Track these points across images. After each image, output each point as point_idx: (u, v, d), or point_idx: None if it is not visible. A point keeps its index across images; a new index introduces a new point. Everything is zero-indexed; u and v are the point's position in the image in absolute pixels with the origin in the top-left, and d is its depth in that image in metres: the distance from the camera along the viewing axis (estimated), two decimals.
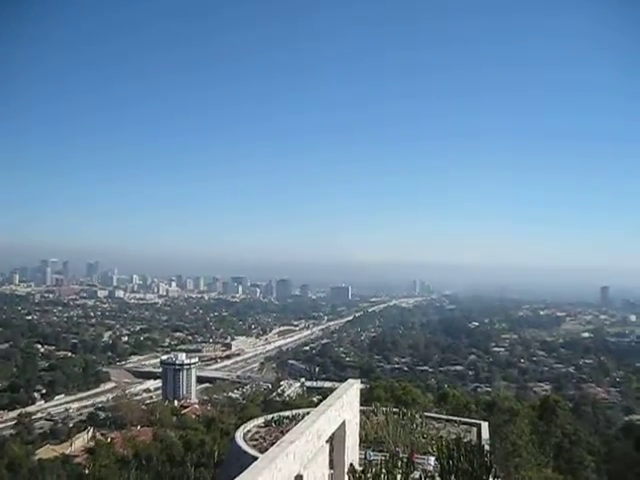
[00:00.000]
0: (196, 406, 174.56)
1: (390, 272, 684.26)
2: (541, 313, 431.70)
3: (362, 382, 46.87)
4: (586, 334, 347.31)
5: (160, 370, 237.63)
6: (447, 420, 42.85)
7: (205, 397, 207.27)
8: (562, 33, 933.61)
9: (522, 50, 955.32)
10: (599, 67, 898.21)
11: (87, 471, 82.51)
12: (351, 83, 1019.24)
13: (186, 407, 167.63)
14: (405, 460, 28.48)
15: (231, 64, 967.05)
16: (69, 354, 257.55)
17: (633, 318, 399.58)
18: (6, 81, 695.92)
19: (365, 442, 33.37)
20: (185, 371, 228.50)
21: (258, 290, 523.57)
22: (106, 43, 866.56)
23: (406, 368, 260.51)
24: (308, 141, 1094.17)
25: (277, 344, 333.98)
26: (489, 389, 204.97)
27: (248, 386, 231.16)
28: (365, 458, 29.22)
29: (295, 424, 24.59)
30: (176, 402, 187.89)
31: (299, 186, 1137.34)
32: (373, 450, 32.66)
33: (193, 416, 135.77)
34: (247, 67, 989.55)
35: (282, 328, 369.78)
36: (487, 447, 29.75)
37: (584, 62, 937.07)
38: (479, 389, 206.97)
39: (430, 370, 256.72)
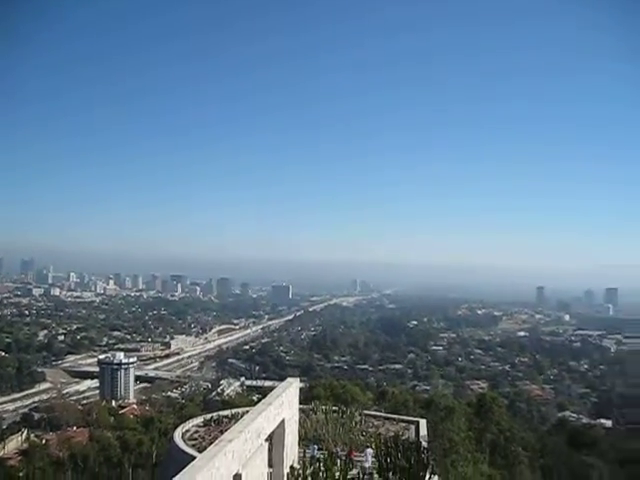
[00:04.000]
0: (134, 406, 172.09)
1: (330, 271, 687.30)
2: (479, 312, 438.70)
3: (302, 381, 47.12)
4: (522, 333, 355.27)
5: (97, 370, 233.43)
6: (386, 418, 43.32)
7: (144, 397, 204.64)
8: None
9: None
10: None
11: (21, 474, 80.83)
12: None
13: (124, 407, 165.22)
14: (344, 458, 28.76)
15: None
16: (2, 354, 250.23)
17: (567, 318, 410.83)
18: None
19: (305, 440, 33.52)
20: (123, 371, 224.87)
21: (198, 288, 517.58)
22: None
23: (346, 367, 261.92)
24: (242, 142, 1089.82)
25: (217, 343, 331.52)
26: (427, 387, 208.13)
27: (187, 385, 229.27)
28: (304, 455, 29.28)
29: (234, 423, 24.57)
30: (114, 402, 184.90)
31: (238, 186, 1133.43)
32: (316, 445, 32.80)
33: (131, 416, 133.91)
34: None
35: (222, 327, 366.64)
36: (425, 444, 30.21)
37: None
38: (417, 387, 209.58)
39: (370, 369, 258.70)
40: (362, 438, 35.81)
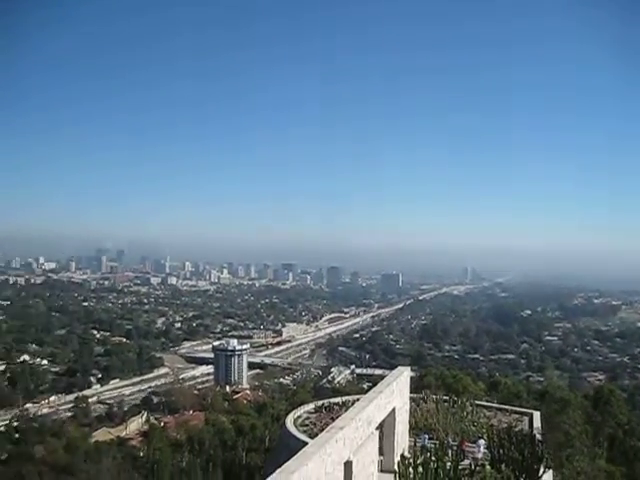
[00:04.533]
0: (247, 392, 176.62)
1: (441, 259, 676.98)
2: (595, 302, 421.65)
3: (412, 370, 46.95)
4: None
5: (212, 356, 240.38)
6: (498, 409, 42.66)
7: (256, 383, 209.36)
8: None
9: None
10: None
11: (142, 454, 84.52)
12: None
13: (238, 392, 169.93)
14: (455, 448, 28.49)
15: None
16: (124, 340, 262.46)
17: None
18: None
19: (415, 429, 33.45)
20: (237, 357, 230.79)
21: (308, 277, 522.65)
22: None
23: (457, 356, 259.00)
24: (351, 131, 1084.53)
25: (327, 331, 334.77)
26: (541, 378, 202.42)
27: (299, 372, 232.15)
28: (415, 444, 29.22)
29: (345, 411, 24.81)
30: (228, 387, 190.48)
31: (348, 173, 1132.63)
32: (427, 434, 32.69)
33: (244, 401, 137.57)
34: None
35: (332, 315, 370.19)
36: (539, 437, 29.54)
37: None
38: (531, 378, 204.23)
39: (481, 358, 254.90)
40: (473, 429, 35.40)
